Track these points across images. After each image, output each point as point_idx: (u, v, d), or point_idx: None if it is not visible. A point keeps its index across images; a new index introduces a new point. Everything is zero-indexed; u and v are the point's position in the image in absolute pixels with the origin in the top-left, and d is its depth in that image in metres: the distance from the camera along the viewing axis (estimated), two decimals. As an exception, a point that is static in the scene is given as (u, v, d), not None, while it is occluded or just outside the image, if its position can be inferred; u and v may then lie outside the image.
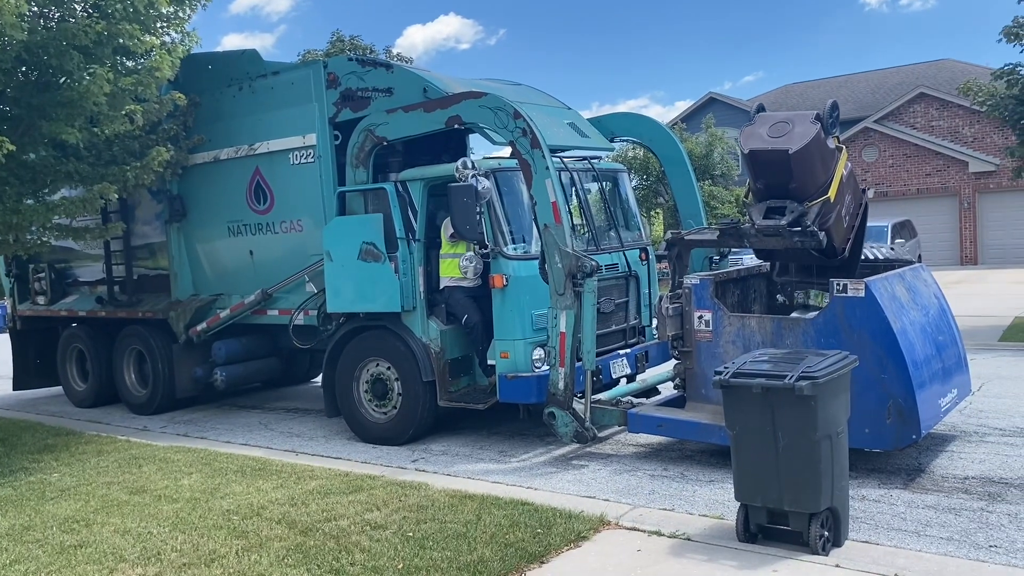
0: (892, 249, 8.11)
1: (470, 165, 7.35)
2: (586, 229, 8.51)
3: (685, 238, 7.80)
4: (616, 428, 7.55)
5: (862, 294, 6.27)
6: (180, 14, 9.73)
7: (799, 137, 6.53)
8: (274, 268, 9.45)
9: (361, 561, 4.93)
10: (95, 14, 8.33)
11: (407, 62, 25.90)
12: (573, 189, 8.52)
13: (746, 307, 7.84)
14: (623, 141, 9.94)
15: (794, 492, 4.94)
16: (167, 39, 9.80)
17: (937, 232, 27.98)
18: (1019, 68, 13.97)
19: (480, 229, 7.41)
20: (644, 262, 8.98)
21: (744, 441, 5.13)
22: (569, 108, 9.76)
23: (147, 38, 8.63)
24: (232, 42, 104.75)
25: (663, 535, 5.30)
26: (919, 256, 23.17)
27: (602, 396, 7.73)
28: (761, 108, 7.09)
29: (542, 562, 4.94)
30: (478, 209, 7.27)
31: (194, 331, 10.10)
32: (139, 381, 11.05)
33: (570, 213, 7.95)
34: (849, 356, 5.32)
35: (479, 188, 7.22)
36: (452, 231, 7.78)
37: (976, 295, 19.99)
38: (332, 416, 8.93)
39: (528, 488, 6.47)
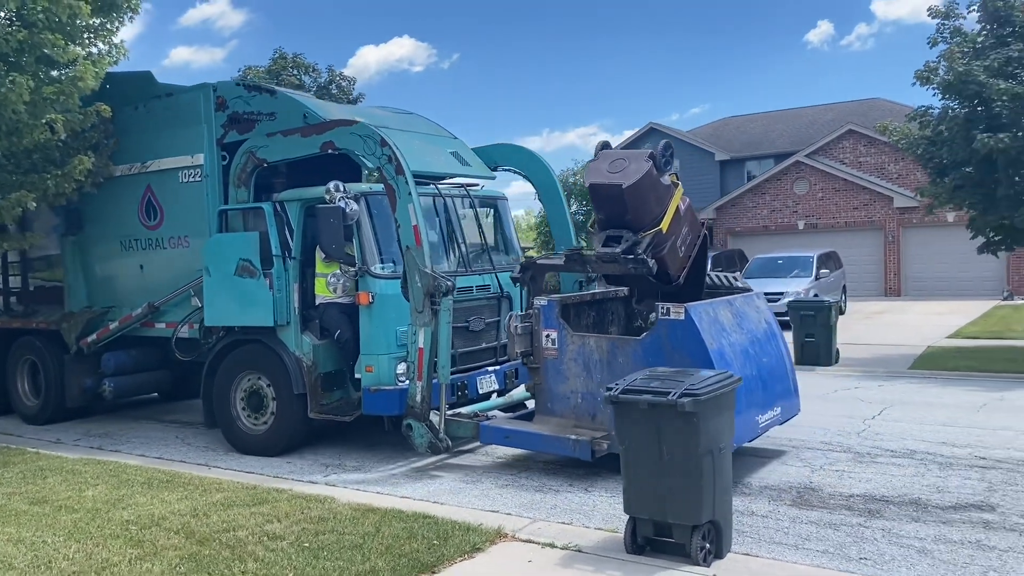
0: (735, 278, 8.54)
1: (339, 188, 7.69)
2: (456, 251, 8.82)
3: (537, 262, 8.24)
4: (471, 443, 8.02)
5: (682, 317, 6.67)
6: (108, 25, 9.78)
7: (633, 173, 7.00)
8: (162, 282, 9.65)
9: (253, 570, 5.01)
10: (17, 23, 8.32)
11: (351, 82, 25.99)
12: (446, 214, 8.86)
13: (603, 328, 8.26)
14: (504, 170, 10.38)
15: (677, 505, 5.16)
16: (93, 50, 9.82)
17: (863, 264, 28.90)
18: (931, 110, 14.65)
19: (345, 249, 7.72)
20: (517, 284, 9.35)
21: (632, 455, 5.34)
22: (455, 138, 10.17)
23: (71, 48, 8.65)
24: (181, 55, 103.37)
25: (556, 547, 5.48)
26: (843, 287, 24.03)
27: (463, 410, 8.06)
28: (606, 145, 7.70)
29: (433, 572, 5.08)
30: (345, 230, 7.61)
31: (85, 342, 10.19)
32: (32, 391, 11.10)
33: (444, 236, 8.50)
34: (733, 376, 5.60)
35: (346, 210, 7.59)
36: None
37: (896, 325, 20.72)
38: (210, 427, 9.15)
39: (433, 503, 6.61)
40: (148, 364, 10.54)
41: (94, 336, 10.11)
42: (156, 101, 9.73)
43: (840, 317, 22.69)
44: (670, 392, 5.10)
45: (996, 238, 14.81)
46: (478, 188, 9.66)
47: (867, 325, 20.99)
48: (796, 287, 20.59)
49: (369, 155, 7.80)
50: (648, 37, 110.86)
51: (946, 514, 6.13)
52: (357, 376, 8.00)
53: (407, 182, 7.56)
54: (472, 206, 9.26)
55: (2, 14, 8.52)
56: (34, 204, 9.27)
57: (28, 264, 11.26)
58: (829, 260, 23.26)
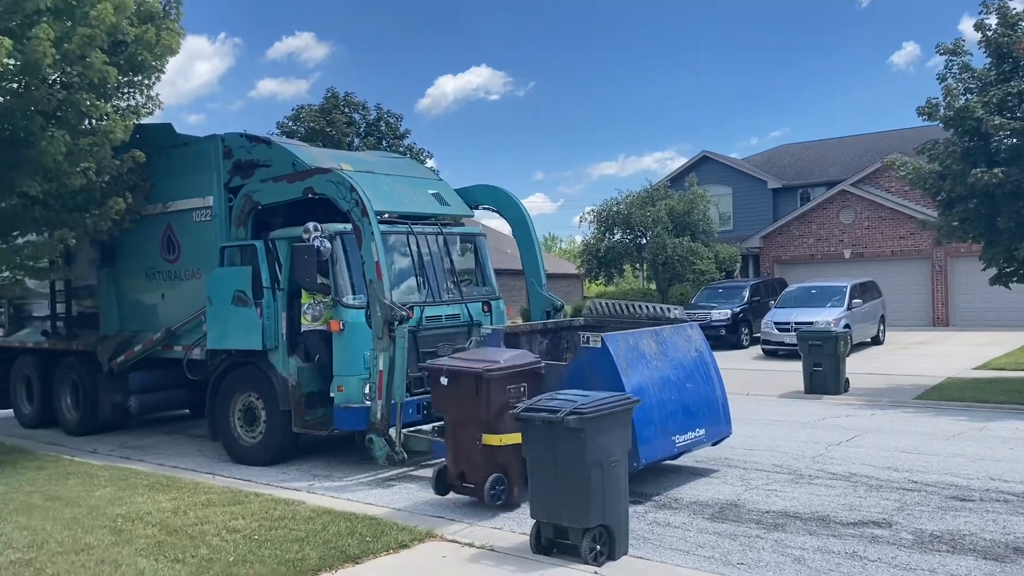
0: (674, 310, 9.15)
1: (316, 228, 8.72)
2: (427, 284, 9.69)
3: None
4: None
5: (599, 346, 7.36)
6: (146, 80, 11.05)
7: None
8: (180, 309, 10.80)
9: (202, 554, 5.93)
10: (57, 84, 9.60)
11: (398, 119, 27.34)
12: (418, 250, 9.75)
13: (558, 354, 8.98)
14: (483, 207, 11.27)
15: (570, 510, 5.87)
16: (132, 102, 11.12)
17: (911, 294, 28.64)
18: (938, 144, 14.91)
19: (321, 281, 8.69)
20: (487, 312, 10.14)
21: (534, 466, 6.08)
22: (439, 180, 11.23)
23: (102, 105, 9.91)
24: (268, 87, 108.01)
25: (473, 546, 6.24)
26: (881, 317, 23.96)
27: (425, 427, 8.95)
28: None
29: (357, 562, 5.89)
30: (320, 265, 8.64)
31: (115, 363, 11.39)
32: (73, 406, 12.39)
33: (417, 269, 9.52)
34: (630, 398, 6.29)
35: (320, 247, 8.60)
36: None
37: (929, 355, 20.65)
38: (214, 440, 10.18)
39: (383, 507, 7.42)
40: (170, 383, 11.71)
41: (122, 357, 11.34)
42: (175, 149, 11.00)
43: (878, 347, 22.94)
44: (559, 411, 5.83)
45: (1008, 269, 14.92)
46: (456, 226, 10.55)
47: (899, 355, 20.97)
48: (827, 316, 20.70)
49: (341, 199, 8.82)
50: (728, 61, 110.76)
51: (843, 528, 6.64)
52: (332, 395, 8.92)
53: (371, 223, 8.52)
54: (446, 242, 10.14)
55: (51, 77, 9.80)
56: (74, 240, 10.53)
57: (72, 292, 12.62)
58: (865, 290, 23.25)
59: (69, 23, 9.73)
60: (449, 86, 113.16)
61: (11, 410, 13.79)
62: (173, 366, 11.35)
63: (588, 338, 7.43)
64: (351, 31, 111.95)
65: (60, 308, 12.74)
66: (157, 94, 11.35)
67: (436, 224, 10.26)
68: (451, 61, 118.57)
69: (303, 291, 9.18)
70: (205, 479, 8.78)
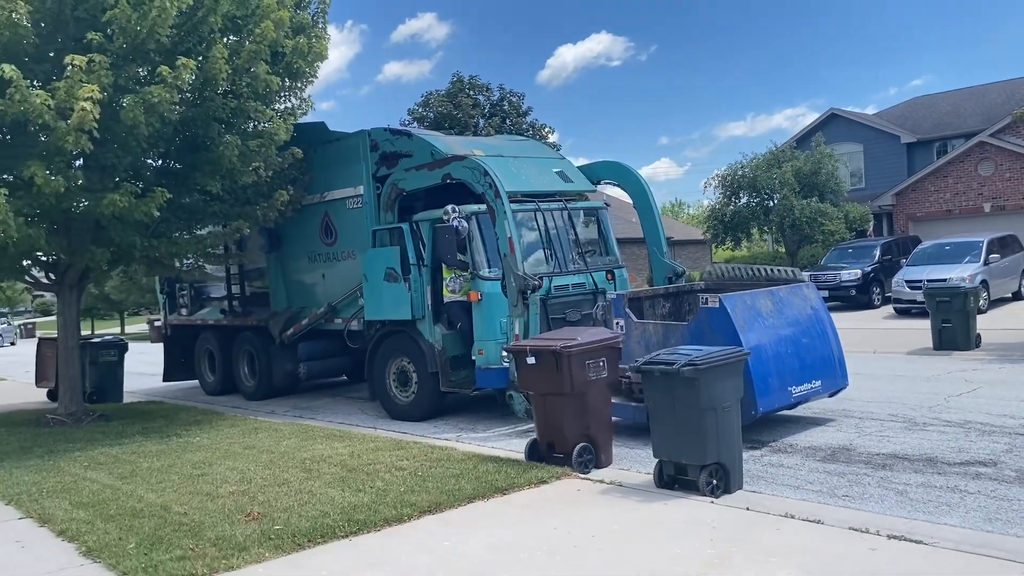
0: (792, 271, 9.62)
1: (454, 210, 9.73)
2: (554, 256, 10.59)
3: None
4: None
5: (717, 306, 8.05)
6: (299, 84, 12.43)
7: None
8: (339, 287, 12.18)
9: (379, 486, 7.12)
10: (230, 94, 11.04)
11: (520, 98, 28.27)
12: (546, 225, 10.65)
13: (680, 316, 9.70)
14: (605, 183, 11.99)
15: (688, 450, 6.69)
16: (288, 105, 12.53)
17: (1059, 246, 27.32)
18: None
19: (460, 258, 9.74)
20: (611, 280, 10.96)
21: (655, 412, 6.93)
22: (562, 158, 12.12)
23: (265, 109, 11.30)
24: (393, 70, 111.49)
25: (604, 482, 7.16)
26: (1023, 271, 23.12)
27: None
28: None
29: (504, 493, 6.93)
30: (459, 243, 9.66)
31: (285, 335, 12.93)
32: (250, 374, 14.13)
33: (545, 243, 10.44)
34: (741, 350, 7.01)
35: (458, 227, 9.63)
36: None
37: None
38: (372, 400, 11.51)
39: (523, 453, 8.41)
40: (333, 352, 13.21)
41: (291, 330, 12.88)
42: (328, 145, 12.36)
43: (1020, 302, 22.24)
44: (675, 363, 6.64)
45: None
46: (580, 201, 11.41)
47: (1039, 310, 20.36)
48: (961, 273, 20.32)
49: (476, 183, 9.90)
50: (860, 9, 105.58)
51: (948, 467, 7.16)
52: (473, 358, 10.01)
53: (503, 203, 9.54)
54: (571, 216, 11.04)
55: (220, 88, 11.24)
56: (248, 230, 12.08)
57: (245, 275, 14.37)
58: (1004, 244, 22.51)
59: (236, 39, 11.16)
60: (569, 55, 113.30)
61: (196, 380, 15.80)
62: (334, 337, 12.77)
63: (707, 299, 8.16)
64: (471, 8, 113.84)
65: (235, 289, 14.50)
66: (309, 96, 12.75)
67: (561, 200, 11.16)
68: (570, 30, 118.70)
69: (444, 266, 10.29)
70: (370, 432, 10.09)
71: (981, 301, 19.82)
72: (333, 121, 13.63)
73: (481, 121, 27.72)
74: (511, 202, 9.86)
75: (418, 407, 10.77)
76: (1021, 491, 6.39)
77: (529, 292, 9.12)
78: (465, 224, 9.77)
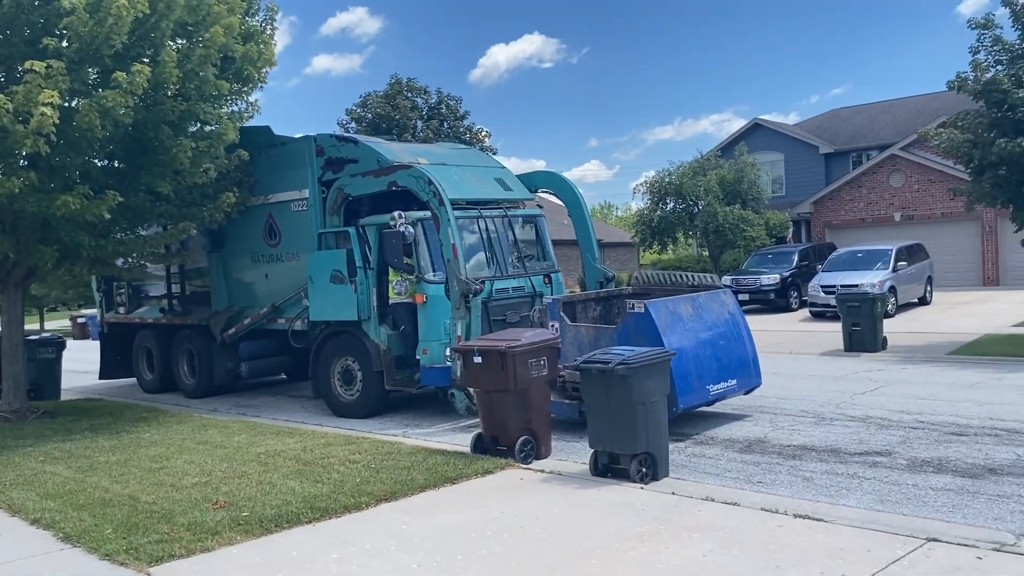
0: (711, 277, 10.49)
1: (400, 216, 10.29)
2: (495, 260, 11.23)
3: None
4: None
5: (643, 311, 8.81)
6: (244, 89, 12.76)
7: None
8: (282, 287, 12.56)
9: (335, 477, 7.60)
10: (179, 97, 11.31)
11: (458, 101, 28.83)
12: (487, 231, 11.27)
13: (609, 320, 10.43)
14: (542, 191, 12.76)
15: (620, 441, 7.37)
16: (234, 109, 12.84)
17: (961, 254, 29.24)
18: (969, 114, 15.78)
19: (406, 262, 10.28)
20: (548, 284, 11.68)
21: (591, 407, 7.59)
22: (502, 167, 12.74)
23: (215, 111, 11.62)
24: (322, 63, 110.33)
25: (544, 472, 7.79)
26: (928, 278, 24.74)
27: None
28: None
29: (454, 483, 7.48)
30: (405, 248, 10.22)
31: (226, 334, 13.24)
32: (190, 372, 14.37)
33: (486, 248, 10.98)
34: (667, 351, 7.74)
35: (405, 232, 10.18)
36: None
37: (972, 314, 21.48)
38: (316, 398, 11.94)
39: (467, 446, 8.98)
40: (275, 351, 13.63)
41: (233, 329, 13.22)
42: (274, 148, 12.74)
43: (924, 307, 23.80)
44: (611, 362, 7.32)
45: (1038, 231, 15.80)
46: (518, 208, 12.09)
47: (944, 315, 21.86)
48: (872, 279, 21.61)
49: (421, 191, 10.46)
50: (785, 17, 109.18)
51: (850, 457, 8.03)
52: (418, 358, 10.56)
53: (447, 211, 10.12)
54: (511, 223, 11.72)
55: (169, 91, 11.49)
56: (194, 231, 12.35)
57: (185, 274, 14.62)
58: (911, 252, 24.04)
59: (187, 43, 11.44)
60: (501, 56, 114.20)
61: (133, 378, 15.96)
62: (276, 336, 13.15)
63: (633, 304, 8.91)
64: (403, 3, 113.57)
65: (175, 288, 14.75)
66: (256, 100, 13.07)
67: (501, 207, 11.79)
68: (503, 30, 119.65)
69: (390, 269, 10.79)
70: (318, 428, 10.52)
71: (889, 306, 21.24)
72: (261, 114, 14.03)
73: (419, 123, 28.19)
74: (454, 209, 10.44)
75: (363, 405, 11.25)
76: (910, 477, 7.27)
77: (471, 295, 9.71)
78: (411, 230, 10.30)
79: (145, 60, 10.65)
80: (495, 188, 11.90)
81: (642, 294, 10.57)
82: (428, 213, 10.56)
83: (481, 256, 11.12)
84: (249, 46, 12.00)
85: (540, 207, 13.13)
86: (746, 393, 10.09)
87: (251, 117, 13.08)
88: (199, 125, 12.05)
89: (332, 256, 11.37)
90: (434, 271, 10.63)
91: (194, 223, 12.30)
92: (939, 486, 6.97)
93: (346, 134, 12.25)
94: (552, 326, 9.58)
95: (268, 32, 12.82)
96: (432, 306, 10.41)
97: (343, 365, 11.49)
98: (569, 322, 9.65)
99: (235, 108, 12.88)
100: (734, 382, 9.59)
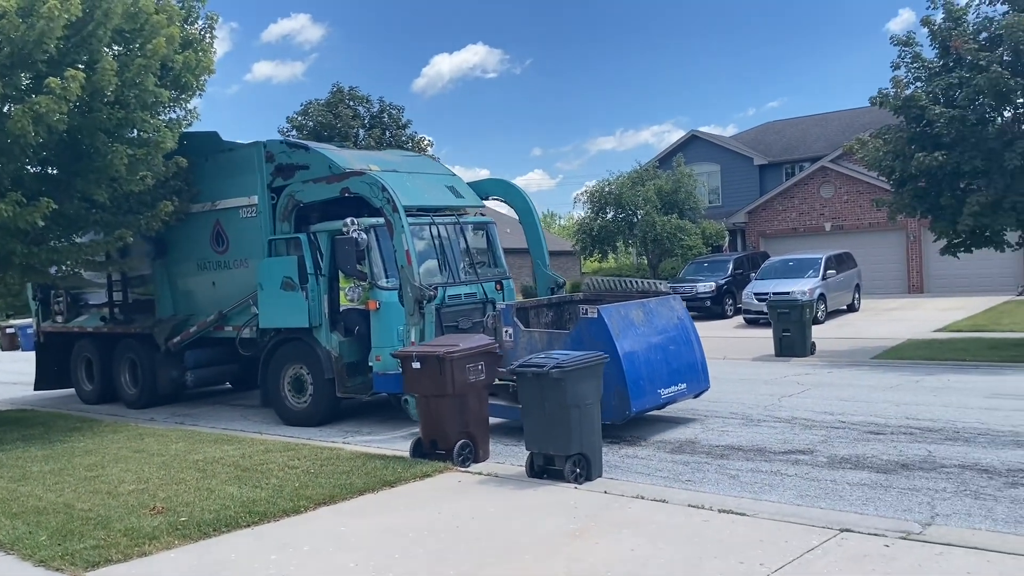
0: (660, 284, 10.85)
1: (353, 222, 10.30)
2: (448, 267, 11.34)
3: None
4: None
5: (596, 316, 9.03)
6: (183, 96, 12.70)
7: None
8: (230, 295, 12.45)
9: (274, 483, 7.67)
10: (117, 105, 11.22)
11: (400, 110, 28.93)
12: (440, 238, 11.36)
13: (561, 325, 10.66)
14: (492, 199, 12.93)
15: (555, 442, 7.59)
16: (172, 116, 12.76)
17: (888, 263, 30.37)
18: (891, 128, 16.49)
19: (358, 268, 10.31)
20: (499, 291, 11.83)
21: (527, 409, 7.80)
22: (453, 175, 12.87)
23: (153, 120, 11.55)
24: (263, 70, 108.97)
25: (482, 474, 7.96)
26: (857, 286, 25.64)
27: None
28: None
29: (392, 486, 7.61)
30: (358, 254, 10.20)
31: (171, 343, 13.08)
32: (132, 382, 14.13)
33: (439, 255, 11.04)
34: (600, 355, 8.00)
35: (358, 239, 10.20)
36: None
37: (898, 320, 22.35)
38: (265, 406, 11.86)
39: (407, 452, 9.13)
40: (221, 359, 13.46)
41: (178, 338, 13.05)
42: (221, 154, 12.65)
43: (853, 314, 24.66)
44: (545, 366, 7.54)
45: (955, 240, 16.58)
46: (470, 216, 12.22)
47: (870, 321, 22.70)
48: (802, 287, 22.38)
49: (374, 197, 10.50)
50: (723, 32, 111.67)
51: (774, 456, 8.39)
52: (370, 364, 10.61)
53: (401, 217, 10.18)
54: (463, 230, 11.84)
55: (107, 97, 11.39)
56: (131, 239, 12.22)
57: (128, 282, 14.38)
58: (840, 261, 24.90)
59: (125, 50, 11.36)
60: (445, 65, 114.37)
61: (71, 389, 15.61)
62: (222, 344, 13.02)
63: (586, 310, 9.12)
64: (346, 12, 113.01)
65: (117, 296, 14.49)
66: (195, 107, 13.02)
67: (453, 215, 11.92)
68: (446, 40, 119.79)
69: (342, 276, 10.82)
70: (257, 436, 10.53)
71: (819, 312, 22.02)
72: (200, 121, 13.79)
73: (361, 132, 28.19)
74: (407, 215, 10.46)
75: (314, 413, 11.21)
76: (829, 473, 7.65)
77: (425, 302, 9.80)
78: (364, 236, 10.33)
79: (80, 67, 10.56)
80: (447, 195, 12.01)
81: (593, 300, 10.77)
82: (381, 220, 10.57)
83: (433, 263, 11.18)
84: (188, 54, 11.96)
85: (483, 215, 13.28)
86: (695, 397, 10.38)
87: (190, 124, 13.01)
88: (136, 132, 11.95)
89: (283, 263, 11.33)
90: (387, 277, 10.66)
91: (131, 231, 12.16)
92: (855, 481, 7.35)
93: (297, 140, 12.22)
94: (506, 332, 9.76)
95: (207, 40, 12.78)
96: (385, 312, 10.46)
97: (294, 373, 11.43)
98: (523, 328, 9.84)
99: (173, 115, 12.79)
100: (684, 386, 9.85)
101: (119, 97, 11.13)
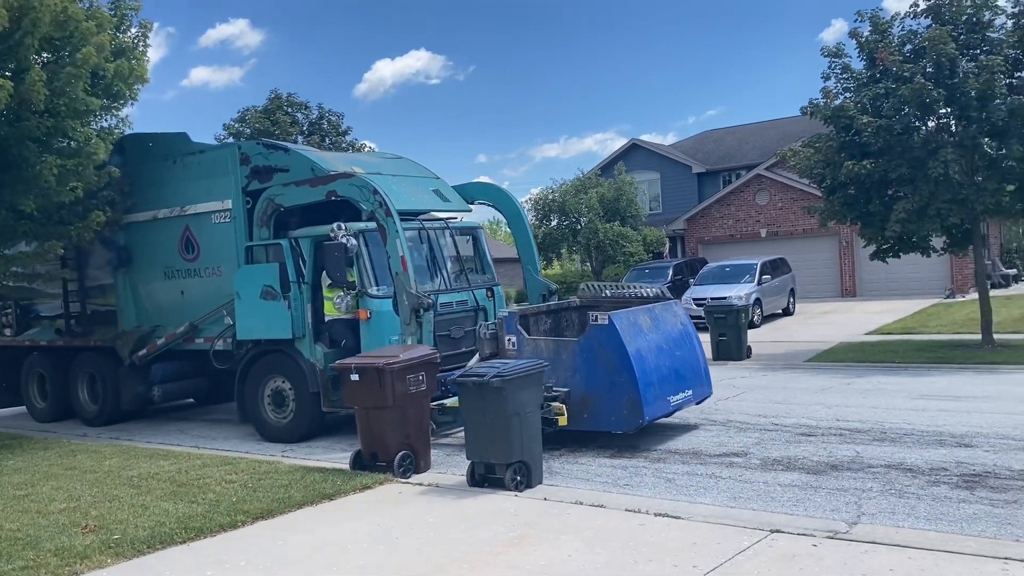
0: (660, 291, 10.90)
1: (342, 227, 9.91)
2: (439, 273, 11.00)
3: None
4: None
5: (607, 323, 8.99)
6: (115, 105, 12.44)
7: None
8: (200, 305, 11.80)
9: (211, 497, 7.57)
10: (46, 114, 10.96)
11: (339, 117, 28.73)
12: (429, 243, 11.03)
13: (559, 332, 10.55)
14: (479, 203, 12.62)
15: (496, 450, 7.64)
16: (105, 124, 12.51)
17: (821, 268, 31.19)
18: (822, 137, 16.98)
19: (347, 276, 9.92)
20: (490, 298, 11.53)
21: (468, 419, 7.85)
22: (437, 178, 12.45)
23: (84, 128, 11.28)
24: (200, 75, 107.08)
25: (423, 485, 7.97)
26: (791, 290, 26.30)
27: (446, 402, 10.02)
28: None
29: (332, 499, 7.56)
30: (347, 261, 9.81)
31: (136, 356, 12.42)
32: (91, 398, 13.39)
33: (429, 261, 10.65)
34: (541, 363, 8.09)
35: (347, 245, 9.80)
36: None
37: (831, 323, 22.99)
38: (244, 422, 11.33)
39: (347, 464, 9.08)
40: (190, 373, 12.71)
41: (144, 350, 12.35)
42: (191, 156, 11.98)
43: (788, 317, 25.26)
44: (486, 375, 7.60)
45: (884, 246, 17.13)
46: (457, 220, 11.92)
47: (805, 324, 23.30)
48: (739, 292, 22.84)
49: (364, 201, 10.05)
50: (663, 41, 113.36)
51: (709, 459, 8.58)
52: None
53: (395, 222, 9.77)
54: (452, 236, 11.47)
55: (37, 105, 11.11)
56: (62, 250, 11.91)
57: (86, 292, 13.54)
58: (775, 266, 25.53)
59: (54, 58, 11.11)
60: (387, 71, 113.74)
61: (22, 407, 14.70)
62: (192, 357, 12.34)
63: (596, 317, 9.08)
64: (286, 17, 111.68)
65: (73, 307, 13.65)
66: (127, 115, 12.78)
67: (443, 219, 11.57)
68: (388, 45, 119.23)
69: (326, 285, 10.42)
70: (193, 451, 10.35)
71: (755, 317, 22.52)
72: (133, 128, 13.21)
73: (300, 139, 27.91)
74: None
75: (296, 428, 10.64)
76: (762, 475, 7.86)
77: (423, 310, 9.49)
78: (354, 242, 9.91)
79: (8, 75, 10.30)
80: (433, 199, 11.61)
81: (591, 306, 10.63)
82: (372, 224, 10.06)
83: (426, 269, 10.76)
84: (120, 62, 11.72)
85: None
86: (698, 403, 10.33)
87: (122, 133, 12.76)
88: (67, 142, 11.67)
89: (262, 270, 10.71)
90: (377, 285, 10.21)
91: (61, 242, 11.86)
92: (787, 483, 7.56)
93: (275, 141, 11.77)
94: (509, 340, 9.60)
95: (141, 48, 12.55)
96: (377, 322, 9.98)
97: (274, 387, 10.82)
98: (527, 336, 9.69)
99: (105, 124, 12.54)
100: (690, 392, 9.80)
101: (48, 106, 10.86)
